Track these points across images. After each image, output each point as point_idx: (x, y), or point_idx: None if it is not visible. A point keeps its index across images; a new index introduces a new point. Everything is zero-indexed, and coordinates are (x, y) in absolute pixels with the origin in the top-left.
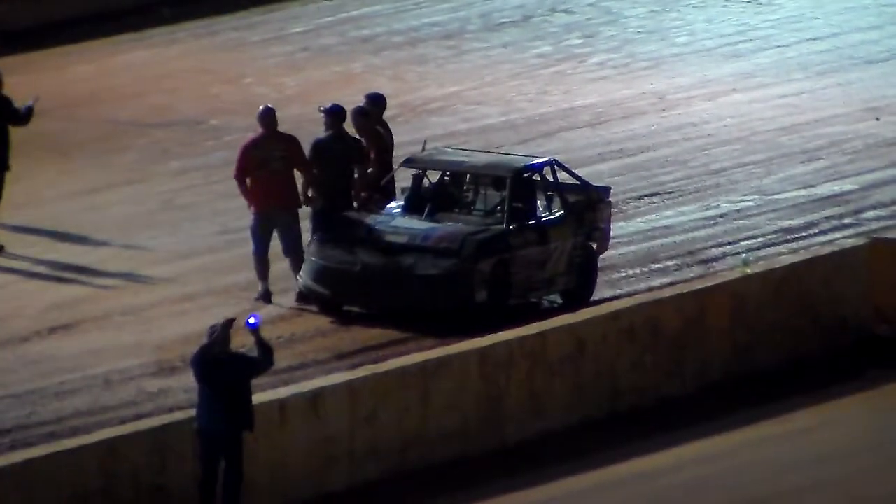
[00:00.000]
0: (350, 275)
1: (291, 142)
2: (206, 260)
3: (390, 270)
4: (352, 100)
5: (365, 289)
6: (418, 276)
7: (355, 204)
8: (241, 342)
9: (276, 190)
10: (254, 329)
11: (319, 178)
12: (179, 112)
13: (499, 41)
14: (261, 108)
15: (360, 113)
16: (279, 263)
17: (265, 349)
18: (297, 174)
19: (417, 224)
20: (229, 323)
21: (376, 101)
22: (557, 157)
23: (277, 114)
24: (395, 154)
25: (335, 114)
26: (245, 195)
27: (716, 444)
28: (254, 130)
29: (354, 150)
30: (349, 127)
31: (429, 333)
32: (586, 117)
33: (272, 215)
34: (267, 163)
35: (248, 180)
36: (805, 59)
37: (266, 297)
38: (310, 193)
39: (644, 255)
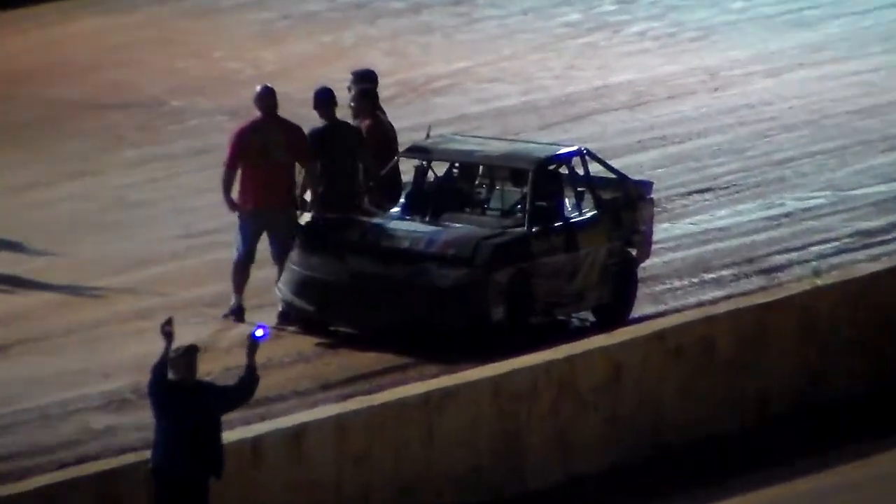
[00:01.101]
0: (339, 287)
1: (296, 131)
2: (167, 269)
3: (387, 282)
4: (343, 77)
5: (357, 304)
6: (421, 288)
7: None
8: (208, 369)
9: (274, 184)
10: (258, 342)
11: (321, 172)
12: (138, 91)
13: (517, 7)
14: (258, 87)
15: (362, 95)
16: (255, 273)
17: (251, 376)
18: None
19: (420, 226)
20: (194, 349)
21: (368, 78)
22: (589, 146)
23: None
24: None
25: (324, 100)
26: (226, 192)
27: (781, 493)
28: (224, 113)
29: (355, 139)
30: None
31: (434, 359)
32: (623, 98)
33: (266, 215)
34: (268, 151)
35: (240, 172)
36: (884, 28)
37: (238, 313)
38: (307, 196)
39: (694, 264)
